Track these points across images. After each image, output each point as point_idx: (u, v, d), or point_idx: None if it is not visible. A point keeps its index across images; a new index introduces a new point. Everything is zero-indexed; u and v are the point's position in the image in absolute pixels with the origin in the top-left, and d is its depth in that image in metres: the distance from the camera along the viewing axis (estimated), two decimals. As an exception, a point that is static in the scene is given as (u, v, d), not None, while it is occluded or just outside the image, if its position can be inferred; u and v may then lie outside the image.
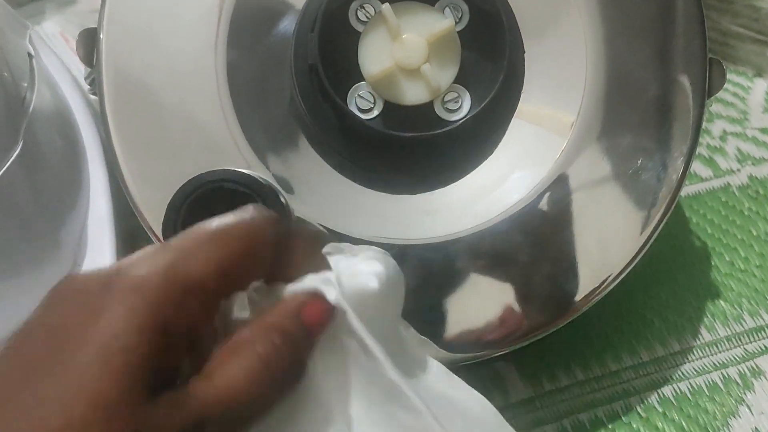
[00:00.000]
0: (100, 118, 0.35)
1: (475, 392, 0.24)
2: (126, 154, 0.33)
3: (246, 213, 0.20)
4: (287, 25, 0.34)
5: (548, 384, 0.39)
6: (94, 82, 0.34)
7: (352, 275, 0.21)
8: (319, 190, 0.34)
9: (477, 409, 0.24)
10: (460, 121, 0.33)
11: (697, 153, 0.47)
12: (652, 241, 0.35)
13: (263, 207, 0.21)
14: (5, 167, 0.34)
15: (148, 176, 0.33)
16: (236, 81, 0.34)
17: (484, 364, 0.38)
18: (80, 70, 0.37)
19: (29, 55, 0.38)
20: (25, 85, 0.36)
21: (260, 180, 0.32)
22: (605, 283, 0.34)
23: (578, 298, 0.34)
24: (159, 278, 0.18)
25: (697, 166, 0.47)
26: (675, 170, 0.35)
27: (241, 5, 0.34)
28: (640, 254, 0.35)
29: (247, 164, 0.33)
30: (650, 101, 0.35)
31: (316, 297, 0.20)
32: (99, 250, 0.38)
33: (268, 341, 0.19)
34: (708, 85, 0.35)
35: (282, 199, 0.32)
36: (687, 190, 0.46)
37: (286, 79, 0.34)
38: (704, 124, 0.49)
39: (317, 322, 0.20)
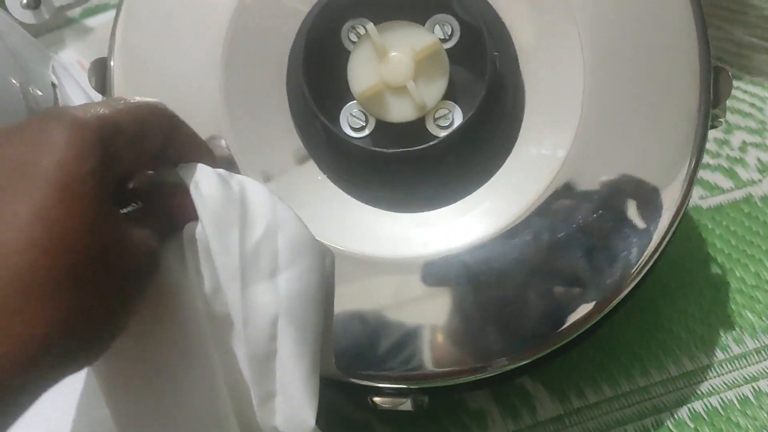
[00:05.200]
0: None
1: None
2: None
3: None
4: (284, 47, 0.35)
5: (577, 401, 0.39)
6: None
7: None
8: (317, 206, 0.34)
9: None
10: (446, 136, 0.33)
11: (717, 164, 0.48)
12: (657, 254, 0.34)
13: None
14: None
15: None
16: (234, 102, 0.35)
17: (506, 380, 0.37)
18: (101, 97, 0.38)
19: (53, 84, 0.38)
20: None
21: None
22: (612, 299, 0.34)
23: (581, 315, 0.33)
24: (93, 118, 0.20)
25: (717, 178, 0.47)
26: (681, 177, 0.34)
27: (242, 29, 0.35)
28: (645, 267, 0.34)
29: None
30: (652, 110, 0.34)
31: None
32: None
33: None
34: (714, 93, 0.34)
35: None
36: (709, 201, 0.46)
37: (282, 99, 0.35)
38: (723, 135, 0.50)
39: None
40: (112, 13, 0.55)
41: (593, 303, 0.33)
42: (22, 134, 0.19)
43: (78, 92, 0.41)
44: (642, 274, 0.34)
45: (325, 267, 0.26)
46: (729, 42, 0.52)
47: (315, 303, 0.25)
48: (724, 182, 0.46)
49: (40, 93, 0.39)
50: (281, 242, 0.24)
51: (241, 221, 0.24)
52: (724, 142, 0.48)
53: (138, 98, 0.23)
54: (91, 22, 0.54)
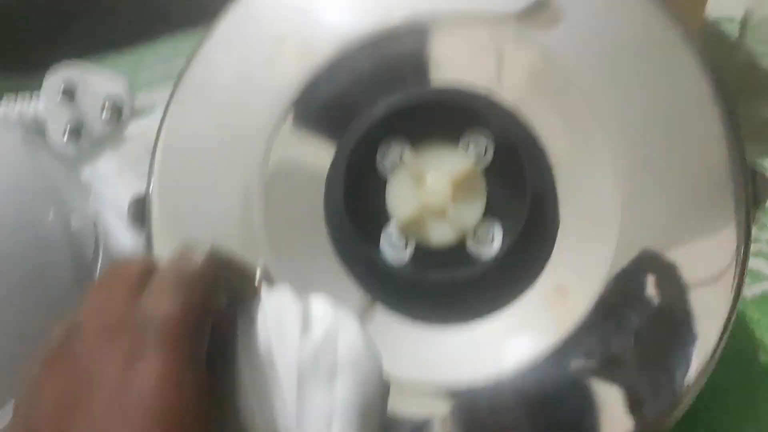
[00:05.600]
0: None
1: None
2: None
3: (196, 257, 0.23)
4: (320, 174, 0.35)
5: None
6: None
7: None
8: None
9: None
10: (489, 260, 0.34)
11: (758, 250, 0.47)
12: (710, 369, 0.33)
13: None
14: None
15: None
16: (274, 230, 0.35)
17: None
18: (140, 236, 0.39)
19: (94, 224, 0.39)
20: (91, 254, 0.38)
21: None
22: (668, 417, 0.33)
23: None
24: (183, 326, 0.20)
25: (760, 264, 0.46)
26: (728, 284, 0.34)
27: (278, 163, 0.36)
28: (700, 382, 0.33)
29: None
30: (692, 219, 0.34)
31: None
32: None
33: None
34: (754, 196, 0.34)
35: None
36: (752, 290, 0.45)
37: (320, 225, 0.35)
38: (762, 220, 0.49)
39: None
40: (145, 120, 0.57)
41: (650, 422, 0.33)
42: (113, 345, 0.20)
43: (118, 225, 0.42)
44: (699, 389, 0.33)
45: (383, 379, 0.25)
46: (759, 119, 0.52)
47: (370, 416, 0.24)
48: None
49: (80, 225, 0.40)
50: (341, 345, 0.24)
51: (302, 321, 0.24)
52: (764, 227, 0.47)
53: (201, 270, 0.22)
54: (127, 131, 0.55)
